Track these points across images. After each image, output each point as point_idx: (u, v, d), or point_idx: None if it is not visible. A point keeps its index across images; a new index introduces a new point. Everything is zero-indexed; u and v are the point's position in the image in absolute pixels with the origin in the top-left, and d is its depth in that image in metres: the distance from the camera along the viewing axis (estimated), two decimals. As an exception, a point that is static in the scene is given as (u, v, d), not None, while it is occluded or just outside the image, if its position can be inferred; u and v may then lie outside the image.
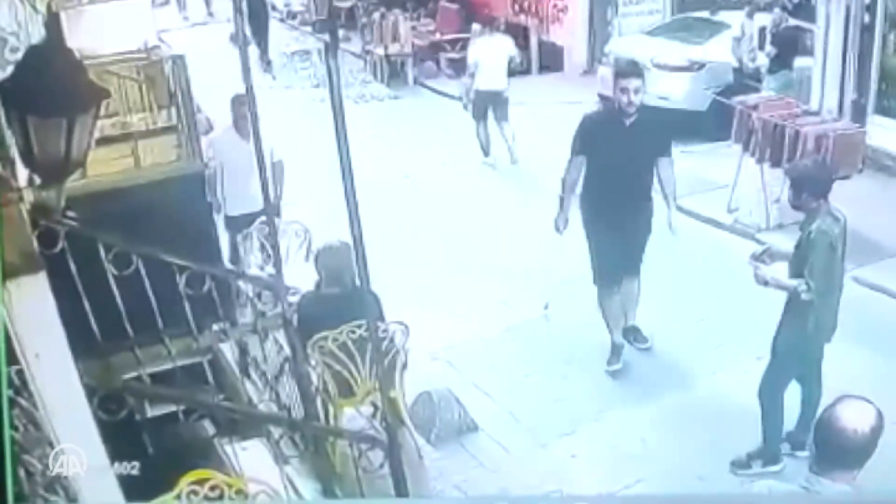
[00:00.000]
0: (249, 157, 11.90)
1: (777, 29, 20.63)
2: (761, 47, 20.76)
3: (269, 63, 30.62)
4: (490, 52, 20.96)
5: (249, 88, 9.29)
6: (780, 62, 20.16)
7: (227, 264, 11.21)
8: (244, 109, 12.44)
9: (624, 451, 10.46)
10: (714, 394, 11.22)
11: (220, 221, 12.49)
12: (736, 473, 9.93)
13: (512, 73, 22.21)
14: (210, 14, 36.89)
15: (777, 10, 21.16)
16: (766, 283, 9.56)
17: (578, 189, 12.22)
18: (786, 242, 14.81)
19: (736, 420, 10.61)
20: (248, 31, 23.04)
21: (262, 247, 11.17)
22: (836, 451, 5.35)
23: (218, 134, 13.03)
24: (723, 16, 22.49)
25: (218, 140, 12.79)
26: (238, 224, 12.07)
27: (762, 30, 20.97)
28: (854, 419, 5.31)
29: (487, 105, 20.70)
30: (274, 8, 39.33)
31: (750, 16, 21.21)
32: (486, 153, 20.82)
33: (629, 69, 12.24)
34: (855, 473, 5.33)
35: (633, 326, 12.51)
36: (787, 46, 20.19)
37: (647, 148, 11.73)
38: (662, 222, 12.19)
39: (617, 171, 11.62)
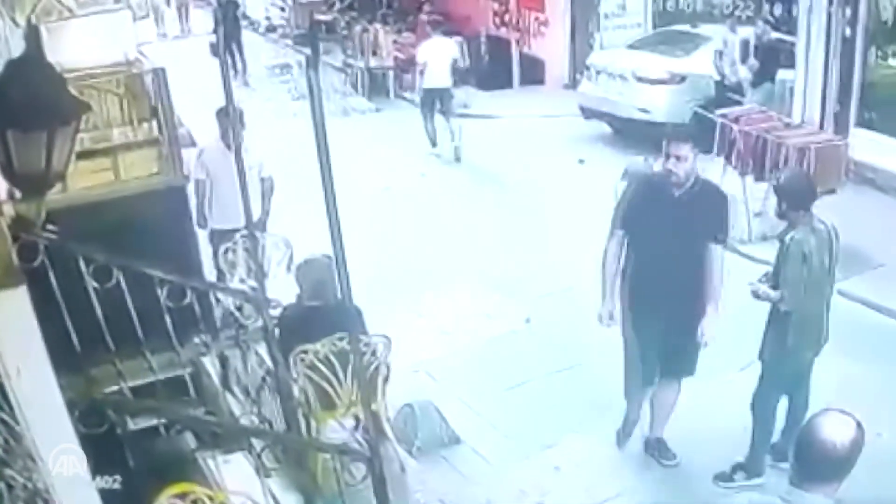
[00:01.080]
0: (233, 171, 11.94)
1: (760, 42, 20.73)
2: (744, 60, 20.86)
3: (245, 75, 30.78)
4: (436, 54, 22.40)
5: (230, 103, 9.32)
6: (763, 75, 20.25)
7: (210, 277, 11.18)
8: (227, 121, 12.45)
9: (606, 462, 10.49)
10: (697, 405, 11.22)
11: (204, 234, 12.50)
12: (718, 486, 9.94)
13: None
14: (187, 30, 37.03)
15: (760, 22, 21.27)
16: (757, 297, 9.57)
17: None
18: (769, 254, 14.93)
19: (719, 431, 10.64)
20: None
21: (244, 259, 11.16)
22: (816, 463, 5.35)
23: (206, 147, 12.98)
24: (704, 29, 22.60)
25: (207, 153, 12.75)
26: (224, 238, 12.02)
27: (745, 42, 21.07)
28: (834, 432, 5.31)
29: (435, 100, 22.29)
30: (255, 22, 39.45)
31: (732, 29, 21.31)
32: (434, 144, 22.47)
33: (677, 133, 10.68)
34: (835, 486, 5.32)
35: (658, 439, 10.77)
36: (770, 59, 20.29)
37: (697, 228, 9.93)
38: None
39: (662, 252, 9.82)
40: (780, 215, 9.51)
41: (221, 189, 12.37)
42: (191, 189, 11.95)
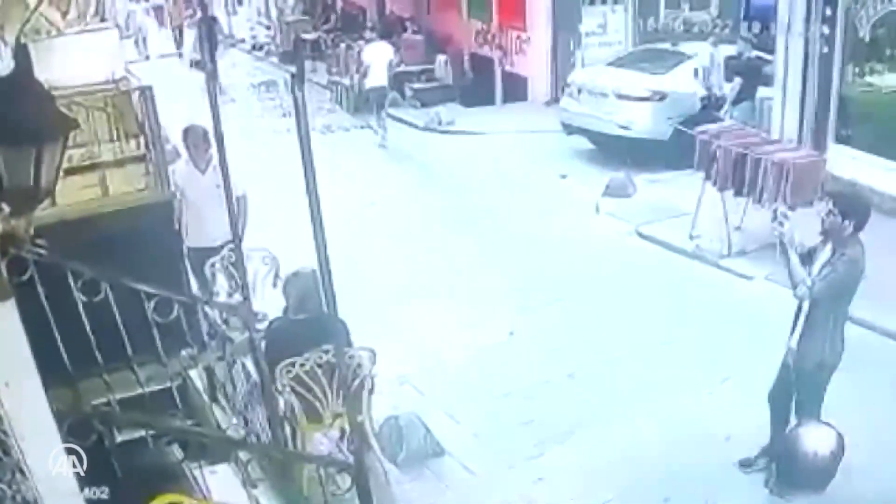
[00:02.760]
0: (205, 191, 11.88)
1: (740, 59, 20.80)
2: (727, 78, 20.94)
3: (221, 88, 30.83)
4: (377, 57, 25.55)
5: (217, 124, 9.31)
6: (743, 92, 20.31)
7: (196, 292, 11.17)
8: (196, 140, 12.40)
9: (590, 473, 10.48)
10: (679, 416, 11.25)
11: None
12: (743, 471, 9.94)
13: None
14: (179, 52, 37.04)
15: (740, 40, 21.33)
16: (781, 239, 9.36)
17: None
18: (749, 269, 15.01)
19: (701, 441, 10.65)
20: (207, 60, 23.13)
21: (230, 274, 11.14)
22: (796, 473, 5.40)
23: (176, 165, 12.89)
24: (683, 47, 22.66)
25: (178, 171, 12.65)
26: (196, 256, 11.93)
27: (727, 60, 21.15)
28: (814, 443, 5.36)
29: (374, 98, 25.58)
30: (241, 40, 39.51)
31: (716, 45, 21.40)
32: (376, 133, 25.31)
33: None
34: (814, 496, 5.36)
35: None
36: (750, 76, 20.35)
37: None
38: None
39: None
40: (833, 234, 9.30)
41: (193, 208, 12.29)
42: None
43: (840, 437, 5.38)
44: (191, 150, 12.47)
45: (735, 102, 20.37)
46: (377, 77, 25.44)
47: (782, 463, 5.51)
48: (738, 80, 20.41)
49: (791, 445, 5.40)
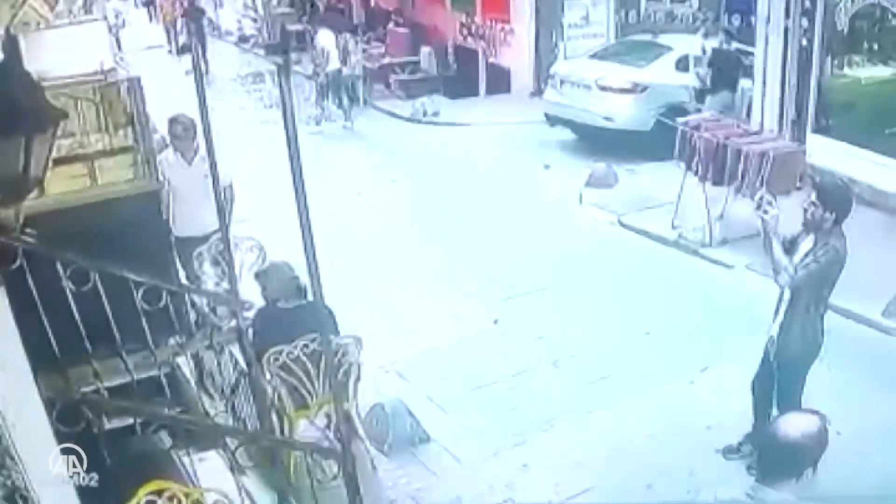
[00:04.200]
0: (192, 180, 11.86)
1: (719, 50, 20.82)
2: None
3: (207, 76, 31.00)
4: (328, 42, 26.80)
5: (204, 115, 9.28)
6: (722, 82, 20.34)
7: (184, 280, 11.14)
8: (180, 130, 12.35)
9: (574, 460, 10.48)
10: (661, 405, 11.26)
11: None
12: (727, 458, 9.97)
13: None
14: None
15: (722, 32, 21.36)
16: (765, 227, 9.32)
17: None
18: (730, 258, 15.02)
19: (683, 429, 10.67)
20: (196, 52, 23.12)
21: (217, 262, 11.11)
22: (778, 458, 5.37)
23: (164, 155, 12.81)
24: (665, 39, 22.68)
25: (163, 161, 12.57)
26: (184, 245, 11.88)
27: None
28: (796, 428, 5.34)
29: (333, 80, 26.76)
30: (227, 32, 39.44)
31: (706, 37, 21.41)
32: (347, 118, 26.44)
33: None
34: (796, 482, 5.33)
35: None
36: (725, 67, 20.39)
37: None
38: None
39: None
40: (815, 225, 9.29)
41: (181, 198, 12.25)
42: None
43: (824, 423, 5.36)
44: (176, 140, 12.42)
45: (712, 93, 20.41)
46: (334, 61, 26.55)
47: (764, 449, 5.51)
48: (708, 70, 20.48)
49: (773, 432, 5.38)
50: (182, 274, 11.51)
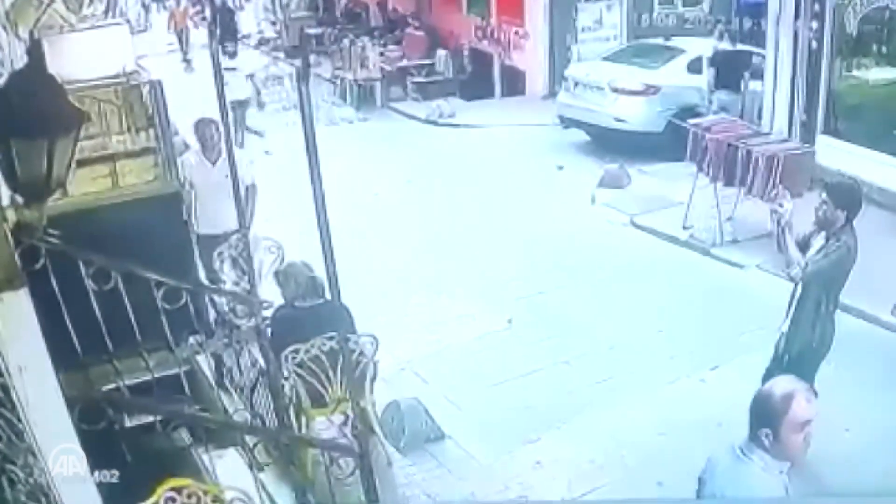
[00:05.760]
0: (216, 180, 11.93)
1: (725, 52, 20.85)
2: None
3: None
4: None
5: (224, 117, 9.30)
6: (726, 82, 20.35)
7: (204, 280, 11.14)
8: (209, 131, 12.47)
9: (586, 458, 10.47)
10: (672, 403, 11.25)
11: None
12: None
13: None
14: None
15: (727, 35, 21.37)
16: (779, 223, 9.32)
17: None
18: (740, 258, 14.99)
19: (692, 427, 10.64)
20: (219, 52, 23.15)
21: (236, 262, 11.12)
22: (754, 411, 5.49)
23: (187, 157, 12.90)
24: (676, 41, 22.64)
25: (188, 163, 12.66)
26: (210, 243, 11.94)
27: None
28: (774, 384, 5.43)
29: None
30: (247, 35, 39.39)
31: (720, 39, 21.38)
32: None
33: None
34: (766, 432, 5.35)
35: None
36: (728, 68, 20.38)
37: None
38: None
39: None
40: (826, 224, 9.28)
41: (204, 198, 12.36)
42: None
43: (806, 390, 5.37)
44: (202, 142, 12.56)
45: (715, 92, 20.41)
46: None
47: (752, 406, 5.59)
48: (711, 71, 20.48)
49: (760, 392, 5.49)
50: (203, 271, 11.54)
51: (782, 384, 5.46)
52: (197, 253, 11.65)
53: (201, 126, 12.52)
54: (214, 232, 11.73)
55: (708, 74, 20.68)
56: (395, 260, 15.82)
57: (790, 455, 5.41)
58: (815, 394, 5.45)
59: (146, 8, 44.06)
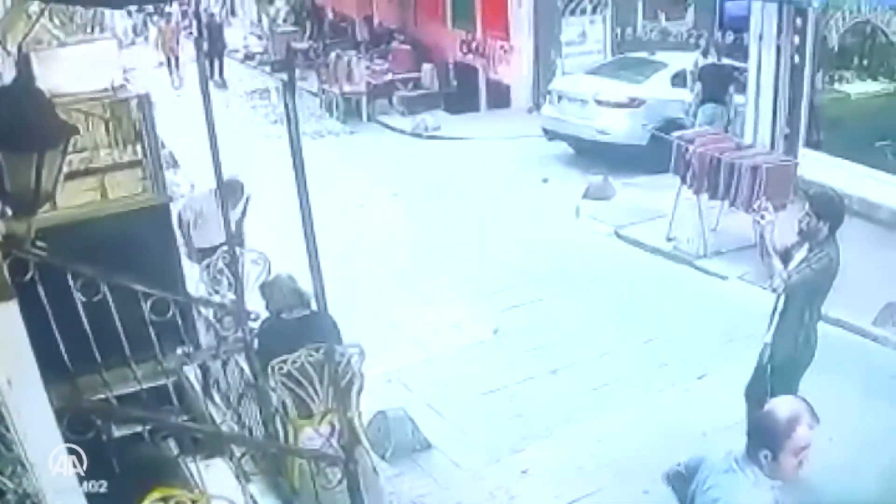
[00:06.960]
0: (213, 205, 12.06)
1: (706, 66, 20.89)
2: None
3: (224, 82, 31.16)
4: None
5: (211, 127, 9.29)
6: (711, 96, 20.37)
7: (193, 292, 11.16)
8: (232, 191, 12.51)
9: (572, 466, 10.48)
10: (658, 412, 11.26)
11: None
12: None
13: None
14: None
15: (712, 48, 21.42)
16: (762, 235, 9.34)
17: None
18: (724, 269, 15.03)
19: (678, 436, 10.64)
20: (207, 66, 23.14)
21: (223, 273, 11.13)
22: (755, 431, 5.48)
23: (197, 197, 13.10)
24: (660, 56, 22.69)
25: (197, 200, 12.90)
26: (206, 254, 12.04)
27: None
28: (778, 407, 5.43)
29: None
30: (234, 50, 39.41)
31: (705, 55, 21.39)
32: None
33: None
34: (766, 453, 5.36)
35: None
36: (710, 82, 20.41)
37: None
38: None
39: None
40: (809, 235, 9.31)
41: (206, 221, 12.68)
42: (175, 223, 11.91)
43: (808, 409, 5.38)
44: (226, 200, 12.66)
45: (700, 106, 20.43)
46: None
47: (749, 422, 5.61)
48: (698, 85, 20.51)
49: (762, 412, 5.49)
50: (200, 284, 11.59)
51: (786, 408, 5.46)
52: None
53: (227, 187, 12.67)
54: (212, 244, 11.83)
55: (695, 88, 20.70)
56: (382, 271, 15.83)
57: (783, 475, 5.42)
58: (818, 420, 5.45)
59: (135, 25, 44.11)
